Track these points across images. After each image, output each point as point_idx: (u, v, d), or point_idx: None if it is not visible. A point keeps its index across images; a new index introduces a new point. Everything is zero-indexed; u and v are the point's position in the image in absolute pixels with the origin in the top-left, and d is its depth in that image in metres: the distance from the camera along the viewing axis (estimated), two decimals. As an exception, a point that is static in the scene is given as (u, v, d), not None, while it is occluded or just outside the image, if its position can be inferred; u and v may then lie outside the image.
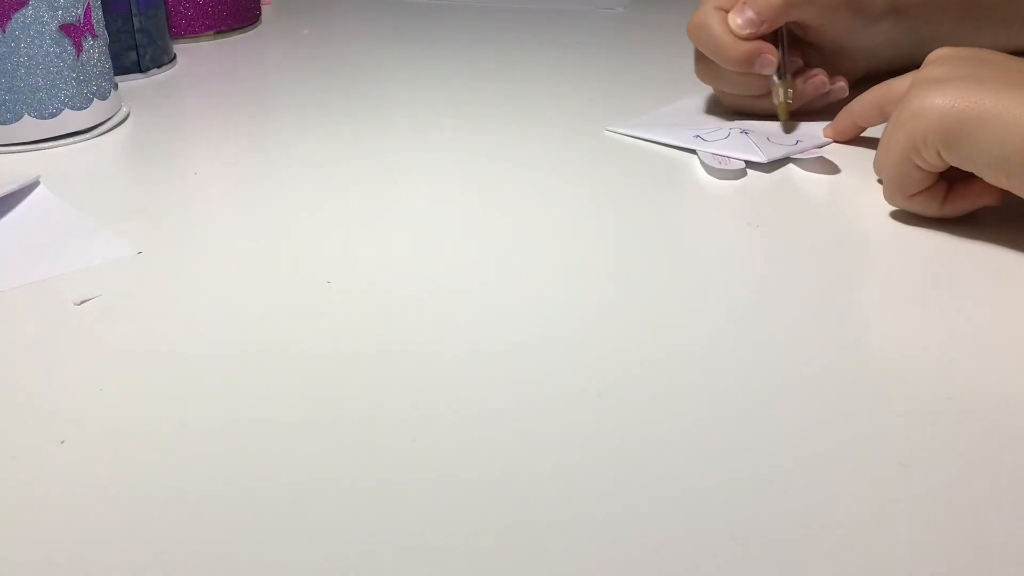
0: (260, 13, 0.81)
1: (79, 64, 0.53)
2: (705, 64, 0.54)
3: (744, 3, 0.51)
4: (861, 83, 0.53)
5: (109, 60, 0.56)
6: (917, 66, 0.43)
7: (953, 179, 0.41)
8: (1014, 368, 0.33)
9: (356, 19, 0.83)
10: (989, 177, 0.38)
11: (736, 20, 0.51)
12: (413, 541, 0.26)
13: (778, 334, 0.36)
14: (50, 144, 0.53)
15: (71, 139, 0.54)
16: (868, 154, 0.51)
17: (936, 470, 0.29)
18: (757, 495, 0.28)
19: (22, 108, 0.52)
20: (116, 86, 0.58)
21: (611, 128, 0.55)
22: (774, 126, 0.54)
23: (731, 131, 0.52)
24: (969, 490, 0.28)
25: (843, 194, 0.47)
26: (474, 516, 0.27)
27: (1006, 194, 0.39)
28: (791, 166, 0.50)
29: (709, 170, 0.49)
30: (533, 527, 0.27)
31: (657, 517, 0.27)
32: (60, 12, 0.52)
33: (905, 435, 0.30)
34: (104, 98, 0.56)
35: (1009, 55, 0.41)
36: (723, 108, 0.56)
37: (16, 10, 0.50)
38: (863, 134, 0.51)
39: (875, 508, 0.27)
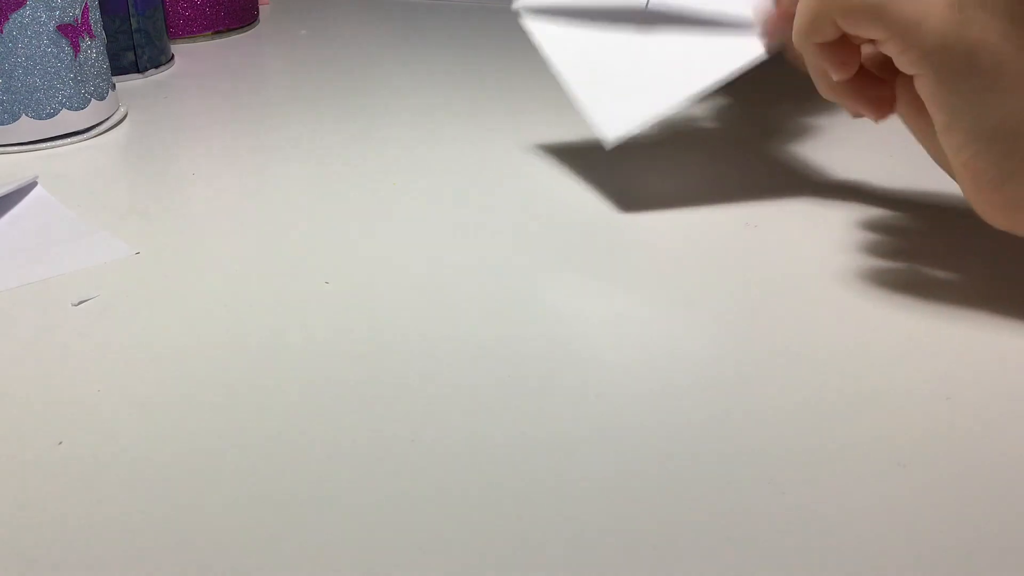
0: (258, 13, 0.81)
1: (77, 64, 0.53)
2: None
3: None
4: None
5: (107, 60, 0.56)
6: None
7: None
8: (1014, 368, 0.33)
9: (354, 19, 0.83)
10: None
11: None
12: (411, 540, 0.26)
13: (777, 334, 0.36)
14: (48, 144, 0.53)
15: (69, 139, 0.54)
16: (870, 158, 0.51)
17: (935, 470, 0.29)
18: (756, 495, 0.28)
19: (19, 108, 0.52)
20: (114, 86, 0.58)
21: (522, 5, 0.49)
22: None
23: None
24: (968, 490, 0.28)
25: (840, 193, 0.47)
26: (473, 515, 0.27)
27: None
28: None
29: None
30: (533, 527, 0.27)
31: (656, 518, 0.27)
32: (57, 12, 0.52)
33: (904, 435, 0.30)
34: (102, 98, 0.56)
35: None
36: None
37: (13, 10, 0.50)
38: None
39: (874, 508, 0.27)
